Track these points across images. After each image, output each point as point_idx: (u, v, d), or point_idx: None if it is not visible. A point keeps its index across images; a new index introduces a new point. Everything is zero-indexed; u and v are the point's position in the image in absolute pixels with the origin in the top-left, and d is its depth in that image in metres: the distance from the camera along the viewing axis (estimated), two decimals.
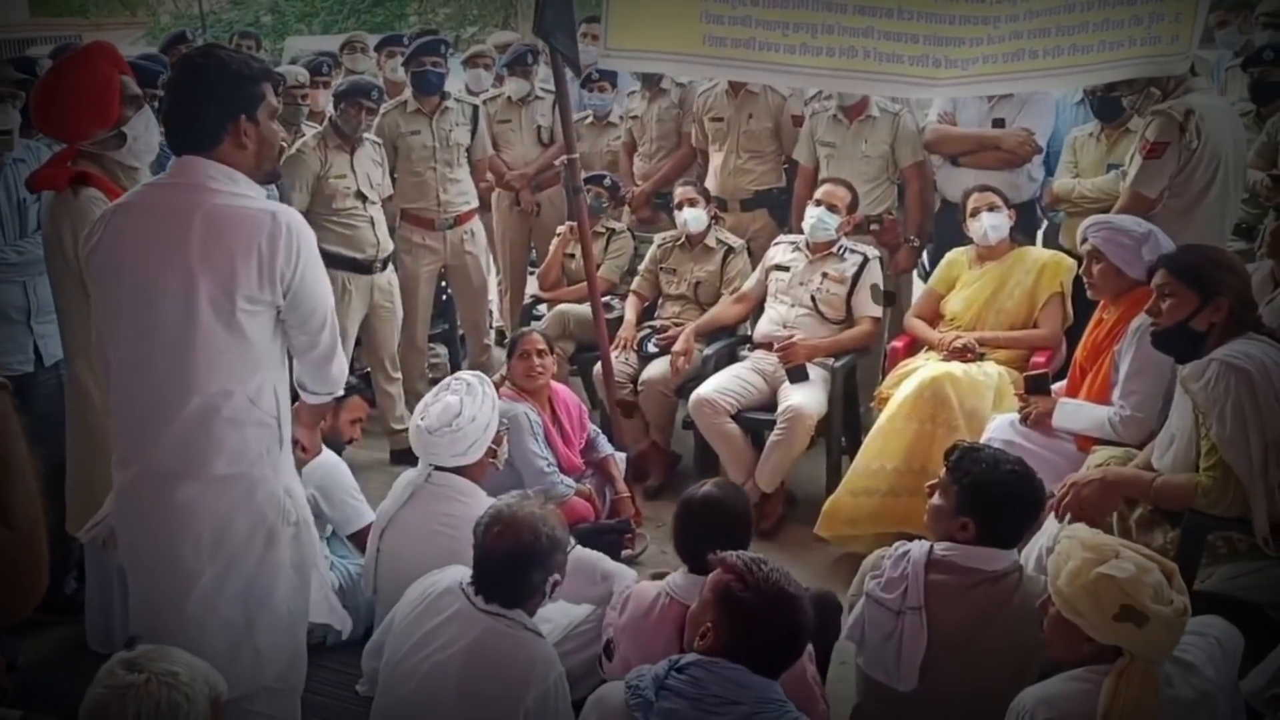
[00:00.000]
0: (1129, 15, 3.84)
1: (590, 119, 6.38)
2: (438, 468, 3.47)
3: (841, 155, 5.27)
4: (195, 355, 2.43)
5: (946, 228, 5.26)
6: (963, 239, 4.82)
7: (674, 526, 3.07)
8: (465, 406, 3.44)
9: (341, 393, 2.84)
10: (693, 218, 5.23)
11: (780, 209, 5.66)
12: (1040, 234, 5.64)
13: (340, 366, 2.73)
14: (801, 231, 5.18)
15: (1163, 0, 3.81)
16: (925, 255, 5.63)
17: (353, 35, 8.26)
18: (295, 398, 3.27)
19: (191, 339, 2.43)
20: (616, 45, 4.43)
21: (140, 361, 2.50)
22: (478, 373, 3.79)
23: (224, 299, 2.41)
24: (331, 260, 5.13)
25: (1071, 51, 3.91)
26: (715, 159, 5.69)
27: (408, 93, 5.84)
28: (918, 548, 2.78)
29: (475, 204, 5.86)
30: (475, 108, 5.91)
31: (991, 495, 2.73)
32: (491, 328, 6.46)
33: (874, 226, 5.18)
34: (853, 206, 4.90)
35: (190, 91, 2.49)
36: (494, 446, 3.57)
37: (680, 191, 5.31)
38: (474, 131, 5.82)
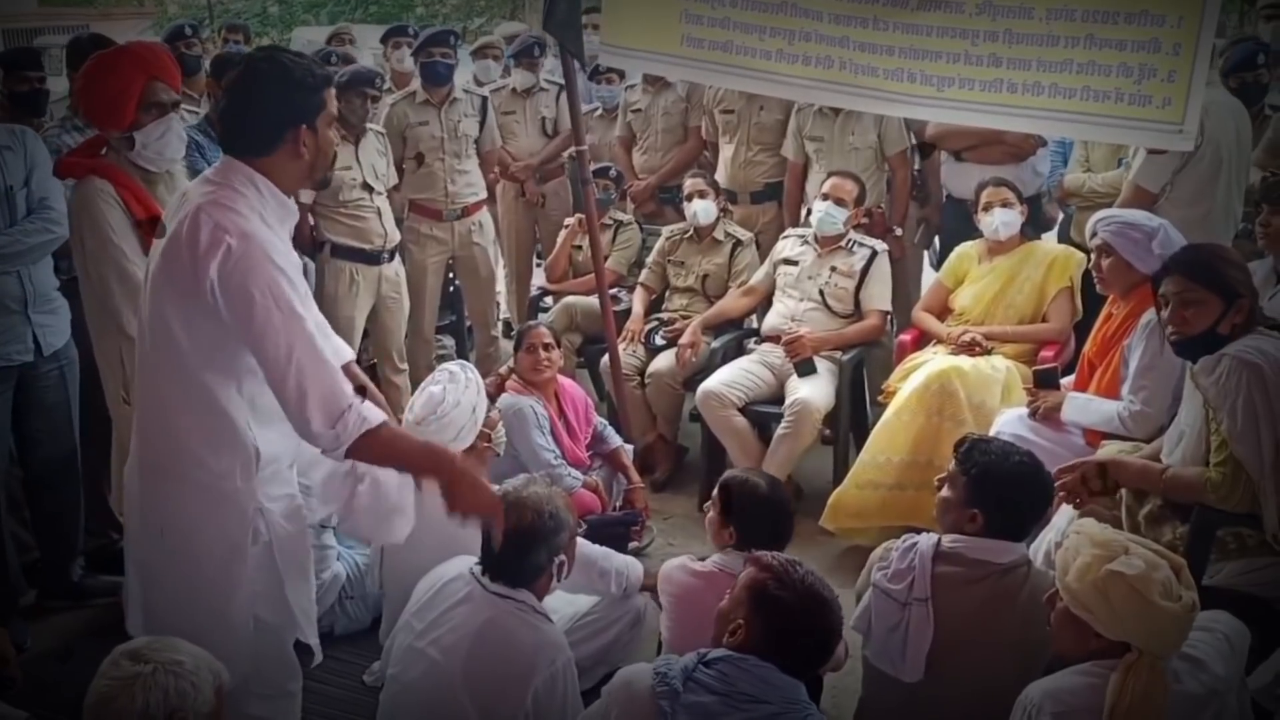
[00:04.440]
0: (1117, 62, 3.53)
1: (599, 111, 6.37)
2: None
3: (830, 149, 5.26)
4: (169, 357, 2.40)
5: (952, 222, 5.25)
6: (969, 233, 4.81)
7: (738, 508, 3.07)
8: (449, 394, 3.45)
9: (341, 450, 2.33)
10: (702, 210, 5.22)
11: None
12: (1057, 227, 5.64)
13: (327, 418, 2.28)
14: (796, 226, 5.18)
15: (1155, 53, 3.48)
16: (937, 243, 5.62)
17: (340, 27, 8.21)
18: None
19: (165, 342, 2.40)
20: (610, 41, 4.45)
21: (140, 353, 2.52)
22: (462, 361, 3.79)
23: (189, 306, 2.35)
24: (339, 252, 5.22)
25: (1053, 93, 3.65)
26: (726, 151, 5.68)
27: (416, 83, 5.83)
28: (925, 540, 2.77)
29: (483, 195, 5.86)
30: (484, 99, 5.91)
31: (1000, 487, 2.73)
32: (498, 320, 6.46)
33: (864, 220, 5.16)
34: (860, 199, 4.90)
35: (250, 97, 2.41)
36: (487, 431, 3.57)
37: (690, 183, 5.31)
38: (483, 123, 5.82)
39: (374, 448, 2.34)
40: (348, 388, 2.35)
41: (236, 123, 2.43)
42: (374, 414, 2.35)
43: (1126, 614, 2.18)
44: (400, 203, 5.71)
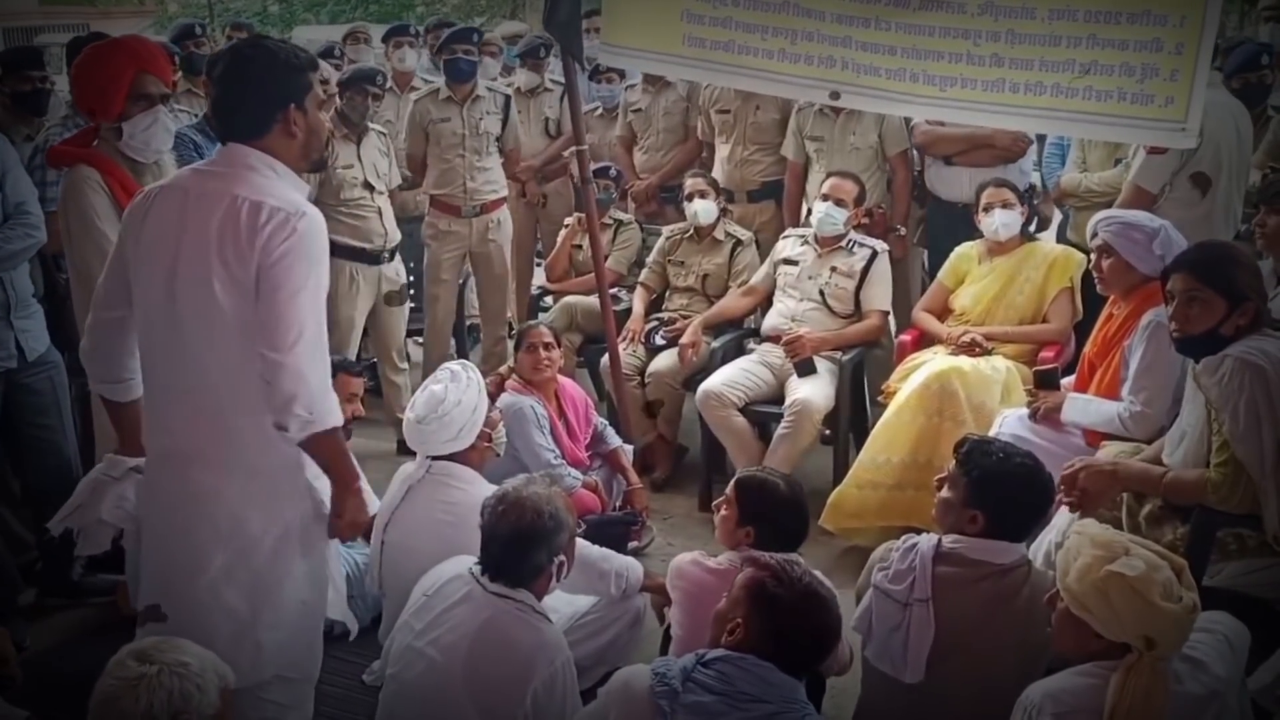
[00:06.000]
0: (1119, 61, 3.53)
1: (599, 111, 6.38)
2: (436, 458, 3.48)
3: (831, 149, 5.26)
4: (218, 344, 2.44)
5: (939, 225, 5.24)
6: (956, 236, 4.81)
7: (758, 510, 3.06)
8: (450, 393, 3.45)
9: (303, 435, 2.43)
10: (703, 209, 5.23)
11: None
12: (1055, 227, 5.64)
13: (308, 402, 2.39)
14: (797, 227, 5.18)
15: (1157, 52, 3.49)
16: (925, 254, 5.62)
17: (356, 26, 8.23)
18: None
19: (214, 328, 2.44)
20: (610, 40, 4.46)
21: (167, 345, 2.52)
22: (463, 361, 3.80)
23: (245, 289, 2.40)
24: (340, 251, 5.21)
25: (1054, 92, 3.66)
26: (722, 151, 5.68)
27: (430, 80, 5.84)
28: (926, 540, 2.78)
29: (503, 193, 5.86)
30: (507, 98, 5.90)
31: (1001, 488, 2.73)
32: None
33: (865, 219, 5.17)
34: (860, 199, 4.90)
35: (239, 81, 2.50)
36: (488, 431, 3.58)
37: (691, 183, 5.31)
38: (505, 121, 5.82)
39: (327, 443, 2.48)
40: (329, 381, 2.49)
41: (230, 108, 2.52)
42: (339, 415, 2.51)
43: (1127, 615, 2.19)
44: (401, 201, 5.71)
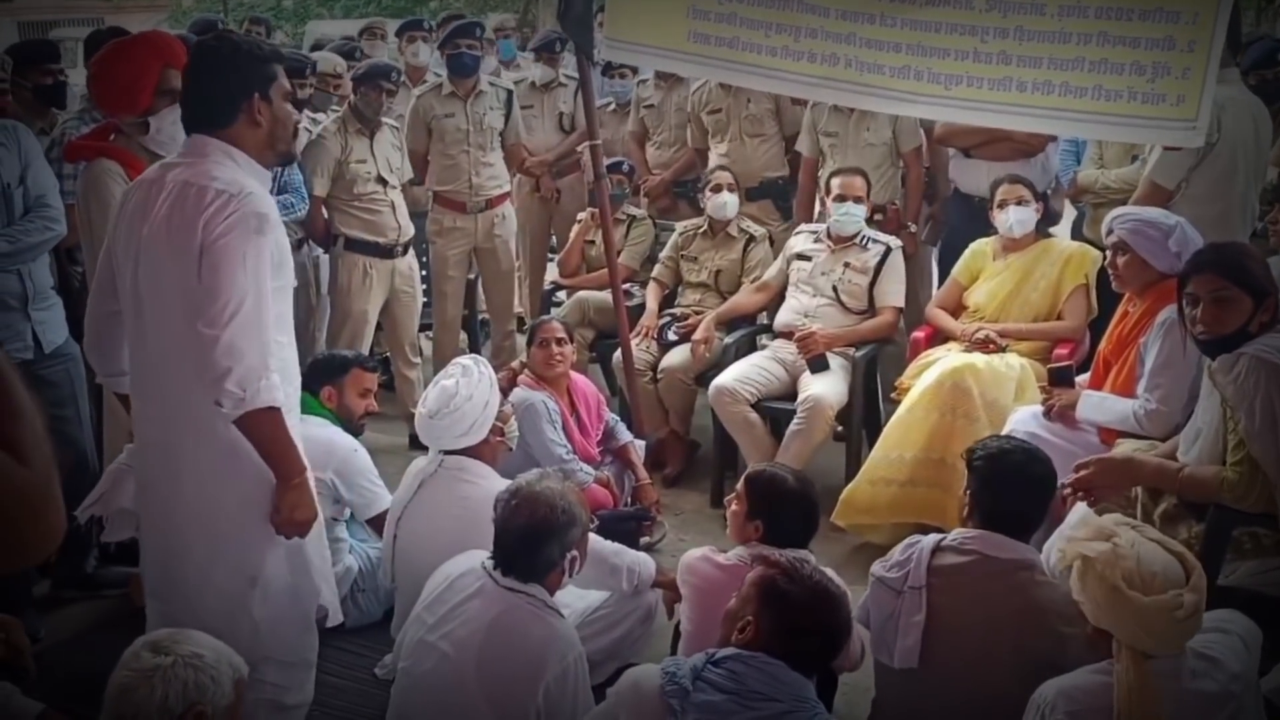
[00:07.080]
0: (1130, 60, 3.44)
1: (612, 106, 6.37)
2: (448, 452, 3.48)
3: (845, 145, 5.24)
4: (176, 330, 2.48)
5: (959, 218, 5.22)
6: (975, 230, 4.79)
7: (765, 504, 3.05)
8: (461, 388, 3.45)
9: (237, 413, 2.41)
10: (731, 203, 5.23)
11: (784, 198, 5.65)
12: (1070, 223, 5.62)
13: (241, 378, 2.37)
14: (807, 222, 5.17)
15: (1169, 50, 3.39)
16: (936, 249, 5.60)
17: (373, 21, 8.27)
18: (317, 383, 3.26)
19: (171, 314, 2.49)
20: (614, 35, 4.43)
21: (138, 334, 2.59)
22: (475, 355, 3.81)
23: (193, 273, 2.44)
24: (353, 245, 5.24)
25: (1063, 92, 3.56)
26: (719, 149, 5.65)
27: (442, 75, 5.85)
28: (930, 537, 2.78)
29: (507, 188, 5.87)
30: (509, 92, 5.90)
31: (996, 479, 2.73)
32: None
33: (878, 216, 5.14)
34: (868, 192, 4.90)
35: (204, 72, 2.58)
36: (500, 425, 3.58)
37: (719, 176, 5.30)
38: (508, 116, 5.82)
39: (264, 425, 2.45)
40: (272, 362, 2.45)
41: (196, 99, 2.59)
42: (279, 394, 2.45)
43: (1100, 600, 2.18)
44: (414, 196, 5.72)
